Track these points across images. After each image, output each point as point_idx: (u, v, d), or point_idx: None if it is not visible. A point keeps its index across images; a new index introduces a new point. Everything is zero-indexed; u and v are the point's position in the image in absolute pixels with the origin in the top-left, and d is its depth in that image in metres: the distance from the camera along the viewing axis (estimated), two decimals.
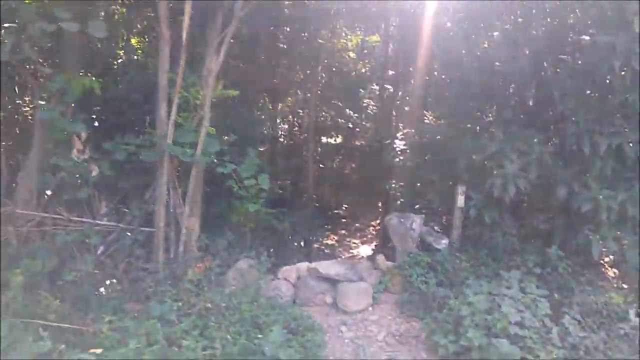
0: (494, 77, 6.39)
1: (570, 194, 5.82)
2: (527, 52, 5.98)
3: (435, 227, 7.15)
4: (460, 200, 6.81)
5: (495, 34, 6.18)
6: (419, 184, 8.37)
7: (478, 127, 7.10)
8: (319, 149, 19.28)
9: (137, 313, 4.98)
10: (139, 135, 5.99)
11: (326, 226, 15.57)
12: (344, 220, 16.69)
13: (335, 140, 22.24)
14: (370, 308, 5.98)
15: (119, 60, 7.88)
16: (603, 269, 6.60)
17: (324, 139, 20.06)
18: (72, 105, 5.74)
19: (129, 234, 5.91)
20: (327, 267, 6.12)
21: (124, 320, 4.63)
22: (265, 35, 11.75)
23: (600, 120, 5.48)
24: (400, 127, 12.92)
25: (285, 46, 13.79)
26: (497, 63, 6.15)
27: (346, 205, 17.44)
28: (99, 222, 5.81)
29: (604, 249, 5.93)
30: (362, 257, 11.75)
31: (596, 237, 5.56)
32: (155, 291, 5.32)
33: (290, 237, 7.94)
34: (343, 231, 15.72)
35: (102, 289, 5.44)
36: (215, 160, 6.12)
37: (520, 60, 5.96)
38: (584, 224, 5.78)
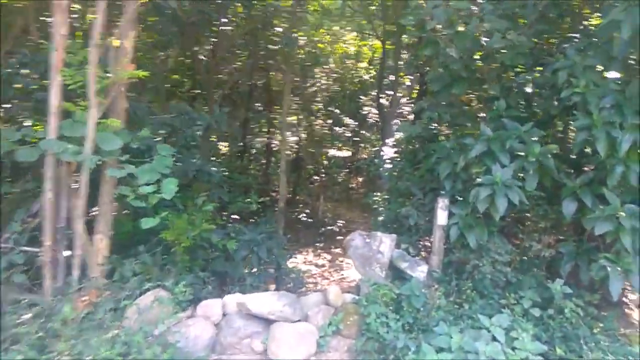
0: (481, 57, 4.94)
1: (581, 210, 4.34)
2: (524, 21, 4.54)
3: (410, 250, 5.65)
4: (442, 217, 5.35)
5: (481, 1, 4.73)
6: (400, 198, 6.91)
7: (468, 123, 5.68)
8: (324, 161, 18.04)
9: None
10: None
11: (317, 244, 14.23)
12: (339, 237, 15.26)
13: (342, 152, 21.00)
14: (313, 358, 4.53)
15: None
16: (626, 311, 5.03)
17: (331, 152, 18.86)
18: None
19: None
20: (260, 302, 4.68)
21: None
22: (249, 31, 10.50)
23: (621, 109, 4.01)
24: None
25: (274, 46, 12.61)
26: (483, 38, 4.70)
27: (342, 222, 15.99)
28: None
29: (626, 285, 4.40)
30: (353, 280, 10.39)
31: (616, 269, 4.05)
32: (17, 334, 3.99)
33: (243, 260, 6.46)
34: (337, 249, 14.31)
35: None
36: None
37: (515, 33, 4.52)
38: (599, 251, 4.29)
